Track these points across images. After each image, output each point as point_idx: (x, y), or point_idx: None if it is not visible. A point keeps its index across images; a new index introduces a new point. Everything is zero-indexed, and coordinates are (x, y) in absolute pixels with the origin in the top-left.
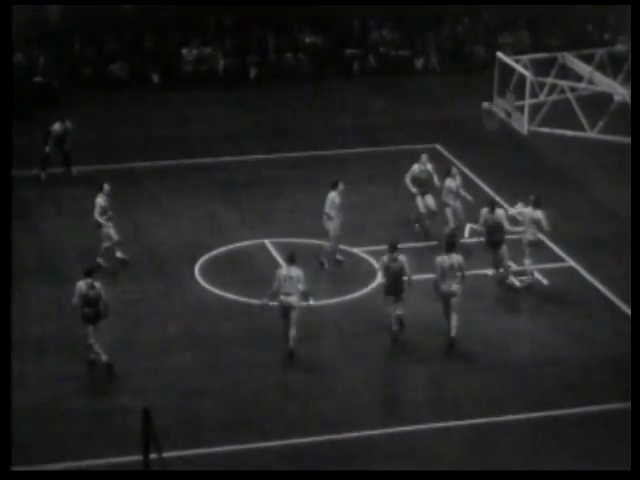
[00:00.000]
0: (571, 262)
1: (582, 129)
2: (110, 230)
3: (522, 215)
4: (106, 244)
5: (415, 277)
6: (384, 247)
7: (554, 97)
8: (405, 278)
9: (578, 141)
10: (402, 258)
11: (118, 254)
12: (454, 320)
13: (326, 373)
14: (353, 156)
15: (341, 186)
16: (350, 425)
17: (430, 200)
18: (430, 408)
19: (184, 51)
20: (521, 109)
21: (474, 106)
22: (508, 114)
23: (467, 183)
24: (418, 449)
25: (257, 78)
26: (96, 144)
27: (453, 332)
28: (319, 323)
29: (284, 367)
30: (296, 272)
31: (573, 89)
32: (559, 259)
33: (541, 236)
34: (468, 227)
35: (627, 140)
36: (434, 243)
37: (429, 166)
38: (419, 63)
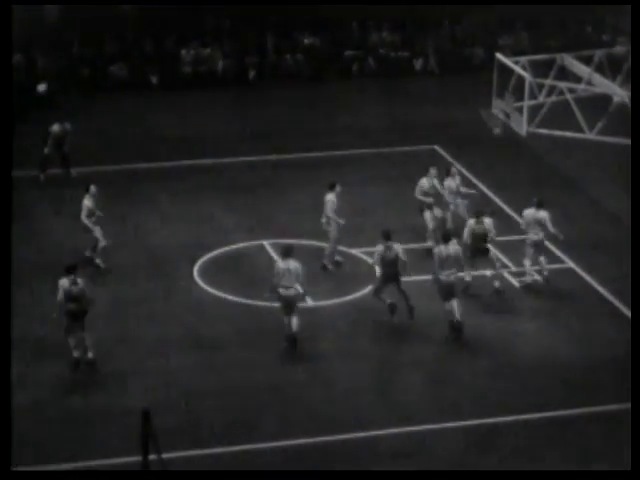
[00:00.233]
0: (570, 263)
1: (581, 130)
2: (98, 233)
3: (525, 216)
4: (102, 244)
5: (415, 278)
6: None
7: (553, 98)
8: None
9: (577, 142)
10: (396, 246)
11: (88, 253)
12: (456, 307)
13: (326, 374)
14: (352, 157)
15: (338, 188)
16: (350, 425)
17: (437, 211)
18: (430, 408)
19: (183, 52)
20: (520, 110)
21: (473, 107)
22: (507, 115)
23: (466, 184)
24: (418, 449)
25: (256, 79)
26: (95, 145)
27: (458, 316)
28: (319, 324)
29: (283, 368)
30: (294, 265)
31: (572, 90)
32: (559, 260)
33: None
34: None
35: (626, 141)
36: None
37: (435, 181)
38: (418, 64)
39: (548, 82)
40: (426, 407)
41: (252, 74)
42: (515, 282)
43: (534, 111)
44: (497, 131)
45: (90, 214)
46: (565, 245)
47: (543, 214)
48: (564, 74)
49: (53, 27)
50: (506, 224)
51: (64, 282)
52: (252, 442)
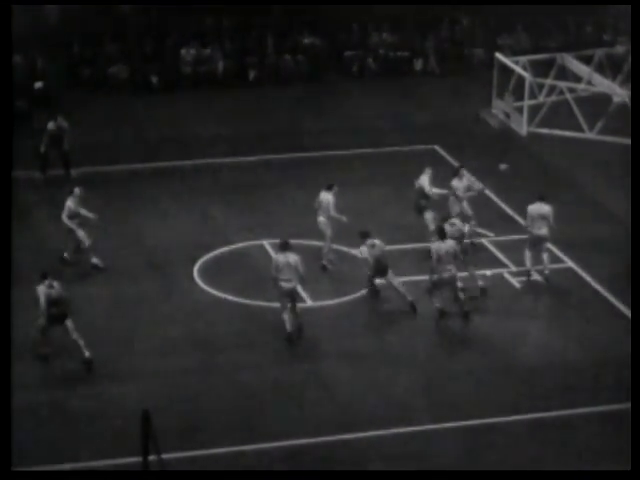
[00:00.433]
0: (570, 263)
1: (581, 130)
2: (80, 234)
3: (529, 211)
4: (86, 245)
5: (415, 278)
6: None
7: (553, 98)
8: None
9: (577, 142)
10: (378, 242)
11: (66, 254)
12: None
13: (325, 374)
14: (352, 157)
15: (335, 188)
16: (349, 426)
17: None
18: (430, 409)
19: (182, 51)
20: (520, 110)
21: (473, 107)
22: (507, 115)
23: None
24: (418, 450)
25: (256, 80)
26: (95, 146)
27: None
28: (318, 323)
29: (283, 368)
30: (293, 257)
31: (572, 90)
32: (558, 260)
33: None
34: (467, 227)
35: (626, 141)
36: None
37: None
38: (418, 64)
39: (548, 82)
40: (426, 407)
41: (252, 74)
42: (515, 282)
43: (534, 111)
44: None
45: (73, 215)
46: (565, 245)
47: (547, 208)
48: (564, 74)
49: (53, 27)
50: (507, 224)
51: (41, 288)
52: (252, 442)
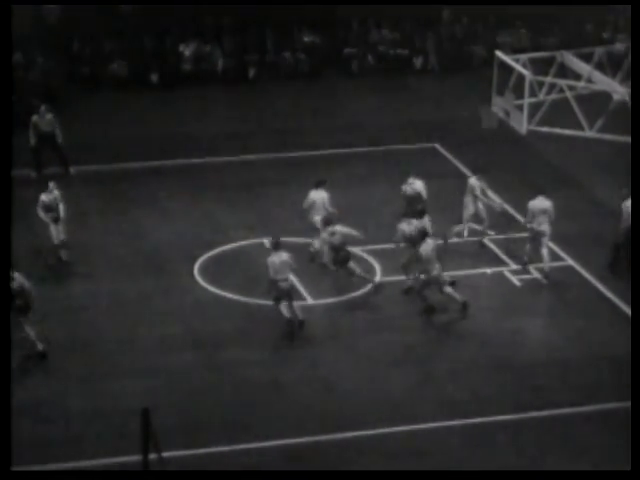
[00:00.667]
0: (570, 261)
1: (581, 128)
2: (52, 230)
3: (531, 207)
4: (54, 242)
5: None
6: (383, 246)
7: (553, 96)
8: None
9: (577, 140)
10: (339, 228)
11: (63, 254)
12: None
13: (326, 373)
14: (352, 155)
15: (324, 184)
16: (350, 425)
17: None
18: (430, 408)
19: (181, 46)
20: (520, 108)
21: (473, 105)
22: (507, 113)
23: (465, 183)
24: (418, 449)
25: (256, 77)
26: (95, 144)
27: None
28: (318, 322)
29: (283, 367)
30: (285, 255)
31: (572, 88)
32: (558, 257)
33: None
34: (466, 227)
35: (626, 139)
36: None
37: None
38: (418, 62)
39: (548, 80)
40: (426, 406)
41: (252, 72)
42: (515, 280)
43: (534, 109)
44: (489, 127)
45: (48, 209)
46: (565, 242)
47: (548, 203)
48: (564, 72)
49: (53, 27)
50: (507, 223)
51: None
52: (252, 441)
